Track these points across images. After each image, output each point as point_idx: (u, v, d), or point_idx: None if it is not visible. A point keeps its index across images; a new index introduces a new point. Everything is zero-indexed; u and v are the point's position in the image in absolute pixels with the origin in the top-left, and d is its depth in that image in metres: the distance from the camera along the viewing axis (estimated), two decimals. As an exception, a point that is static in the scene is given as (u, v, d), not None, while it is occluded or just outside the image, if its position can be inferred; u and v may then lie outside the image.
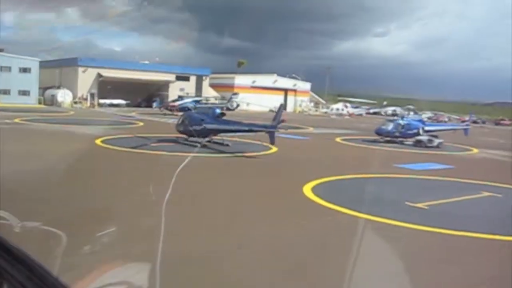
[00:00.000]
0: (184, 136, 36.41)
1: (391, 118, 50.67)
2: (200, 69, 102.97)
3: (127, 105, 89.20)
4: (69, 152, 28.34)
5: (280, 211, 17.56)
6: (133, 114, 70.46)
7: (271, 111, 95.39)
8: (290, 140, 40.86)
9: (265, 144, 35.96)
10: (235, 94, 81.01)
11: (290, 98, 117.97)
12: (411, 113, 49.95)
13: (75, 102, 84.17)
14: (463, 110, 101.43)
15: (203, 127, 34.54)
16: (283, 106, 34.32)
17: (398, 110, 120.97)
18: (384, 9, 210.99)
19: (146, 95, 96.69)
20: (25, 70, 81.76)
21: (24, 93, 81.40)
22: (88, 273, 3.13)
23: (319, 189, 20.98)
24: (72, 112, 67.22)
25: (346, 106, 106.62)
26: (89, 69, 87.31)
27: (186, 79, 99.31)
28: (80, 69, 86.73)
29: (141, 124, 51.04)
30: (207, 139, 35.41)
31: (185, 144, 34.93)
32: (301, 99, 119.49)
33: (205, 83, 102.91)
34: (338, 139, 46.61)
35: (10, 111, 60.18)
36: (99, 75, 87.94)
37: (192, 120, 35.60)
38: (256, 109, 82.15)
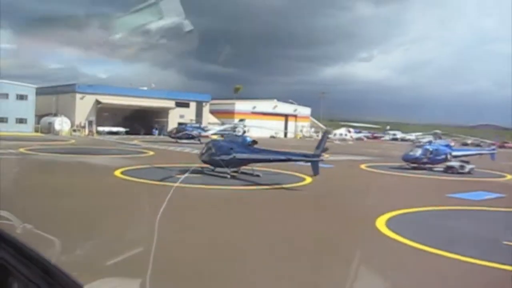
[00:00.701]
0: (207, 165, 33.75)
1: (419, 143, 48.10)
2: (200, 94, 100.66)
3: (127, 133, 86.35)
4: (96, 187, 25.65)
5: (376, 263, 14.77)
6: (135, 142, 67.64)
7: (272, 137, 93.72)
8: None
9: (289, 172, 33.44)
10: (242, 120, 78.26)
11: (291, 123, 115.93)
12: (437, 139, 47.46)
13: (74, 130, 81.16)
14: (450, 133, 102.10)
15: (232, 156, 31.82)
16: (328, 133, 31.68)
17: (399, 134, 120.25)
18: (366, 35, 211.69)
19: (145, 122, 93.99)
20: (21, 97, 78.78)
21: (21, 121, 78.32)
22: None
23: (395, 226, 18.27)
24: (73, 141, 64.15)
25: (349, 131, 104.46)
26: (87, 96, 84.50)
27: (186, 105, 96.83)
28: (78, 96, 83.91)
29: (152, 153, 48.16)
30: (230, 169, 32.77)
31: (211, 175, 32.22)
32: (302, 124, 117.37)
33: (205, 109, 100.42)
34: (363, 166, 44.12)
35: (8, 139, 57.18)
36: (98, 102, 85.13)
37: (219, 149, 32.82)
38: (257, 135, 79.80)
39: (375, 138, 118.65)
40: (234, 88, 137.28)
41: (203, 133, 72.29)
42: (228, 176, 31.41)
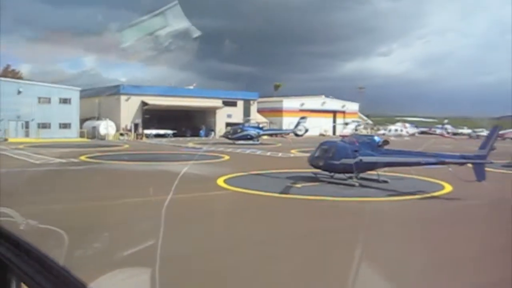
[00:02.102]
0: (318, 170, 28.11)
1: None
2: (247, 93, 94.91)
3: (174, 135, 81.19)
4: (214, 203, 20.22)
5: None
6: (191, 145, 62.24)
7: (321, 135, 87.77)
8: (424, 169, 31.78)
9: (413, 177, 27.41)
10: (303, 118, 72.55)
11: (339, 120, 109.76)
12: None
13: (121, 134, 75.92)
14: (475, 125, 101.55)
15: (358, 160, 25.99)
16: (499, 129, 25.62)
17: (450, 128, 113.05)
18: (385, 29, 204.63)
19: (191, 123, 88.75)
20: (65, 101, 73.72)
21: (65, 126, 73.26)
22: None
23: None
24: (126, 146, 58.84)
25: (406, 126, 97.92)
26: (132, 97, 79.27)
27: (233, 104, 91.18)
28: (123, 98, 78.67)
29: (227, 157, 42.48)
30: (347, 174, 27.06)
31: (332, 183, 26.49)
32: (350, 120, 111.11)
33: (253, 107, 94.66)
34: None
35: (57, 146, 52.30)
36: (144, 103, 79.86)
37: (340, 151, 26.94)
38: (308, 134, 74.32)
39: (423, 133, 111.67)
40: (274, 85, 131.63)
41: (262, 133, 66.79)
42: (356, 184, 25.63)
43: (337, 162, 26.61)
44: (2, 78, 75.04)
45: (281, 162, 39.41)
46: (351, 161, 26.13)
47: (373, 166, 26.42)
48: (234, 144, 62.48)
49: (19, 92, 69.05)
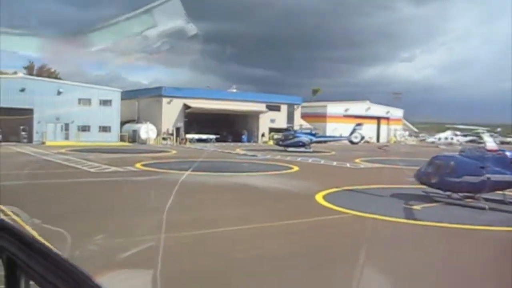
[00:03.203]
0: (426, 187, 23.89)
1: None
2: (291, 97, 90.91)
3: (217, 140, 77.53)
4: (357, 240, 16.11)
5: None
6: (238, 151, 58.39)
7: (366, 142, 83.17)
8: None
9: None
10: (359, 125, 68.36)
11: (383, 126, 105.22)
12: None
13: (164, 138, 72.28)
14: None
15: (484, 178, 21.67)
16: None
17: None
18: (408, 35, 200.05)
19: (233, 127, 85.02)
20: (105, 102, 70.25)
21: (105, 129, 69.79)
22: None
23: None
24: (173, 152, 55.09)
25: (456, 134, 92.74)
26: (174, 100, 75.64)
27: (277, 108, 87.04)
28: (165, 100, 75.08)
29: (296, 168, 38.31)
30: (461, 194, 22.79)
31: (452, 203, 22.20)
32: (395, 127, 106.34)
33: (297, 112, 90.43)
34: None
35: (102, 151, 48.90)
36: (186, 106, 76.18)
37: (459, 167, 22.61)
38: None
39: (472, 142, 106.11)
40: (312, 90, 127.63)
41: (314, 140, 62.56)
42: (486, 206, 21.31)
43: (457, 179, 22.29)
44: (42, 78, 72.11)
45: (359, 175, 35.41)
46: (475, 179, 21.85)
47: (506, 186, 22.10)
48: (286, 151, 58.52)
49: (59, 93, 65.82)
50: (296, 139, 61.07)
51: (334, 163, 42.98)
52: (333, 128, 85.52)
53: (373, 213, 19.16)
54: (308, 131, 65.37)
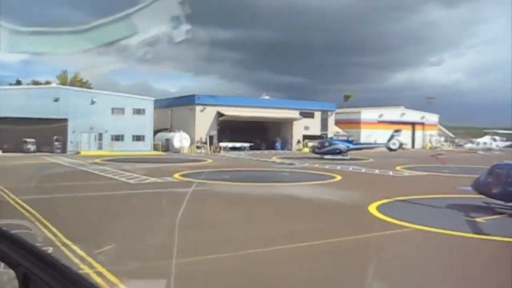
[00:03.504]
0: (486, 197, 22.46)
1: None
2: (325, 103, 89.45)
3: (250, 148, 76.61)
4: (432, 262, 14.82)
5: None
6: (274, 159, 57.31)
7: (401, 148, 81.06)
8: None
9: None
10: (398, 131, 66.72)
11: (418, 132, 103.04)
12: None
13: (198, 147, 71.57)
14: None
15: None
16: None
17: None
18: (436, 39, 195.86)
19: (265, 135, 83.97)
20: (138, 111, 69.84)
21: (138, 138, 69.33)
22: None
23: None
24: (210, 161, 54.24)
25: (495, 140, 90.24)
26: (208, 108, 74.92)
27: (310, 115, 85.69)
28: (198, 108, 74.40)
29: (338, 177, 36.98)
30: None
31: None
32: (430, 133, 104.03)
33: (331, 119, 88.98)
34: None
35: (137, 161, 48.37)
36: (219, 114, 75.39)
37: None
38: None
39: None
40: (344, 95, 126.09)
41: (352, 147, 61.09)
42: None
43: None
44: (76, 88, 72.20)
45: (405, 183, 33.98)
46: None
47: None
48: (323, 159, 57.26)
49: (92, 102, 65.59)
50: (332, 147, 59.66)
51: (376, 171, 41.54)
52: (367, 135, 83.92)
53: (436, 227, 17.87)
54: (345, 138, 63.86)
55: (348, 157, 58.37)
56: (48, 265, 1.86)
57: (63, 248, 13.19)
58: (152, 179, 32.69)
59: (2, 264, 2.05)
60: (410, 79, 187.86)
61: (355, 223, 19.26)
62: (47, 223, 16.45)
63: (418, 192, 27.51)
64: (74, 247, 13.17)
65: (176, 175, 35.42)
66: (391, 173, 40.63)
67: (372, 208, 21.63)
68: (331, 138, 63.13)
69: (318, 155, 59.53)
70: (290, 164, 49.50)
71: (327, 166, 46.22)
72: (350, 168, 44.75)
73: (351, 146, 60.95)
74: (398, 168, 44.68)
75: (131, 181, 31.82)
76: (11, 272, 1.95)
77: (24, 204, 20.43)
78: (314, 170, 42.99)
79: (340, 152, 59.38)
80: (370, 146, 69.44)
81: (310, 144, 73.14)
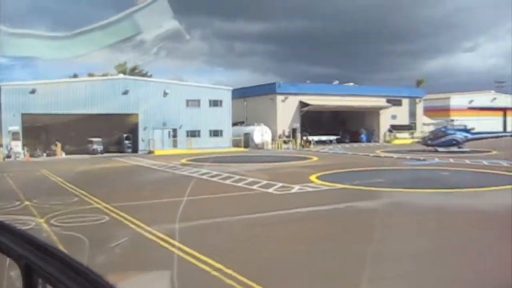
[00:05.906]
0: None
1: None
2: (413, 89, 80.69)
3: (338, 141, 68.47)
4: None
5: None
6: (378, 152, 49.00)
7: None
8: None
9: None
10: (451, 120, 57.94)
11: (510, 119, 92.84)
12: None
13: (284, 142, 63.33)
14: None
15: None
16: None
17: None
18: (471, 23, 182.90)
19: (347, 125, 75.66)
20: (215, 103, 62.02)
21: (216, 133, 61.48)
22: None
23: None
24: (315, 158, 46.10)
25: None
26: (290, 97, 66.73)
27: (398, 103, 76.74)
28: (279, 98, 66.26)
29: None
30: None
31: None
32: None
33: (419, 106, 79.89)
34: None
35: (227, 161, 40.73)
36: (302, 104, 67.18)
37: None
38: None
39: None
40: (417, 81, 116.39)
41: (470, 138, 52.15)
42: None
43: None
44: (146, 78, 64.94)
45: None
46: None
47: None
48: (436, 151, 48.75)
49: (165, 94, 58.15)
50: (448, 137, 50.86)
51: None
52: (458, 124, 74.73)
53: None
54: (462, 127, 54.68)
55: (468, 150, 49.64)
56: (51, 256, 1.82)
57: None
58: (297, 187, 24.56)
59: (5, 256, 1.99)
60: (445, 65, 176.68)
61: None
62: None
63: None
64: None
65: (314, 179, 27.53)
66: None
67: None
68: (445, 127, 53.95)
69: (430, 147, 51.03)
70: (419, 159, 41.05)
71: (467, 161, 37.76)
72: (505, 164, 35.85)
73: (470, 136, 51.99)
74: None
75: (271, 190, 23.82)
76: (14, 264, 1.90)
77: (177, 244, 12.63)
78: (465, 166, 34.61)
79: (457, 143, 50.69)
80: (491, 135, 59.13)
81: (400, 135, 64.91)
